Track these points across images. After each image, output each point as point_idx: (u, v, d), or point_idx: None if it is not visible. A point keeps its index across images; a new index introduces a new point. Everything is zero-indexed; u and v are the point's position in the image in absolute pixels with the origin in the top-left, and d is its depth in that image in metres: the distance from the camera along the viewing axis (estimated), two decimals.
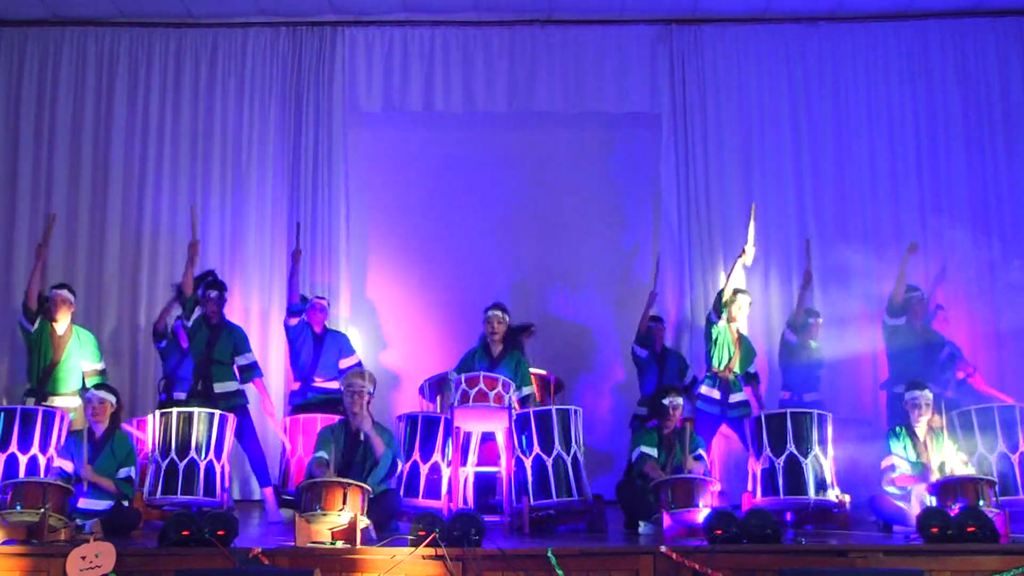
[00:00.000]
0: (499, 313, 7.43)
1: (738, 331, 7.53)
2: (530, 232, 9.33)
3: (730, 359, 7.42)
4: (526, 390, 7.25)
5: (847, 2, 9.01)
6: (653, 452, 6.64)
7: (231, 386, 7.25)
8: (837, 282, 8.67)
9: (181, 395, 7.37)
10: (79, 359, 7.47)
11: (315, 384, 7.77)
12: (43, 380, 7.34)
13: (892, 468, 6.48)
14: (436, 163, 9.45)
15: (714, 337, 7.48)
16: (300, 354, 7.88)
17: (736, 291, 7.62)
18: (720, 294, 7.49)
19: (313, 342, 7.87)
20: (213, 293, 7.49)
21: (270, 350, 8.76)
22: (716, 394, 7.39)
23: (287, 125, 9.15)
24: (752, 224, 7.57)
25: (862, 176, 9.04)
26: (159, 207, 9.02)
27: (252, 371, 7.49)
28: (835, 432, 6.60)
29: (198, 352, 7.28)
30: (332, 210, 8.97)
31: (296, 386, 7.92)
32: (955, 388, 7.64)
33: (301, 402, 7.76)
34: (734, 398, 7.38)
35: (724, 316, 7.43)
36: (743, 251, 7.51)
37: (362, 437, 6.33)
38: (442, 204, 9.37)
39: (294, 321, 7.87)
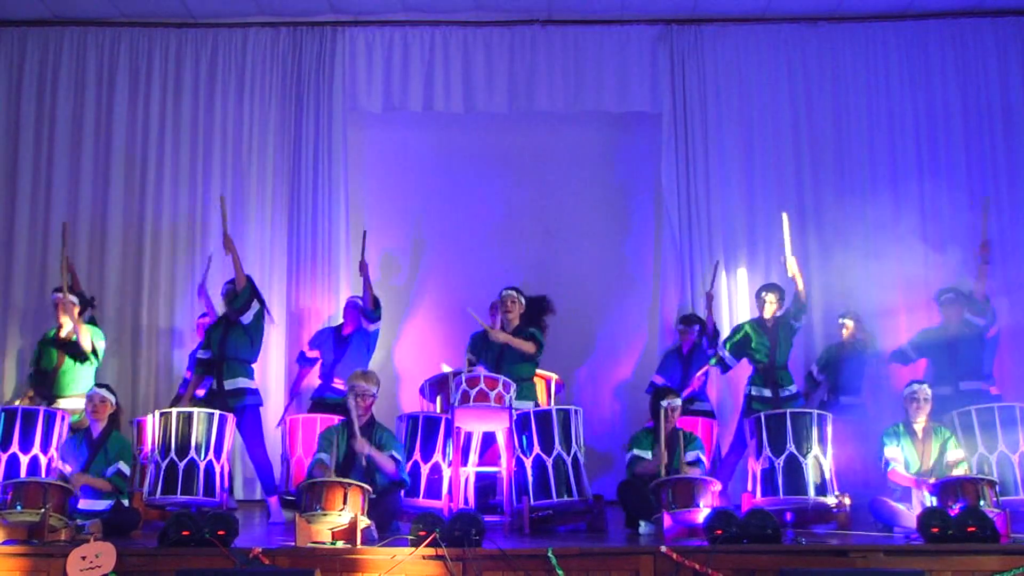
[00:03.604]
0: (513, 293, 7.44)
1: (773, 320, 7.55)
2: (530, 232, 9.34)
3: (768, 349, 7.47)
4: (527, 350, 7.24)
5: (847, 2, 9.00)
6: (647, 455, 6.63)
7: (241, 383, 7.16)
8: (836, 282, 8.67)
9: (201, 392, 7.30)
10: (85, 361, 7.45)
11: (334, 385, 7.84)
12: (49, 383, 7.33)
13: (887, 464, 6.48)
14: (436, 163, 9.46)
15: (737, 337, 7.59)
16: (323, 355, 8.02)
17: (765, 288, 7.69)
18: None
19: (335, 343, 7.95)
20: (230, 286, 7.43)
21: (270, 350, 8.74)
22: (767, 392, 7.38)
23: (287, 125, 9.15)
24: (787, 234, 7.55)
25: (862, 176, 9.04)
26: (160, 207, 9.02)
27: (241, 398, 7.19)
28: (836, 432, 6.60)
29: (214, 350, 7.20)
30: (332, 210, 8.96)
31: (317, 383, 8.02)
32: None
33: (318, 398, 7.88)
34: (785, 392, 7.41)
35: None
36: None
37: (364, 462, 6.26)
38: (442, 204, 9.37)
39: (373, 327, 8.06)
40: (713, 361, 7.84)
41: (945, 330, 7.59)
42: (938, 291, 7.78)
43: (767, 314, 7.59)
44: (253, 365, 7.31)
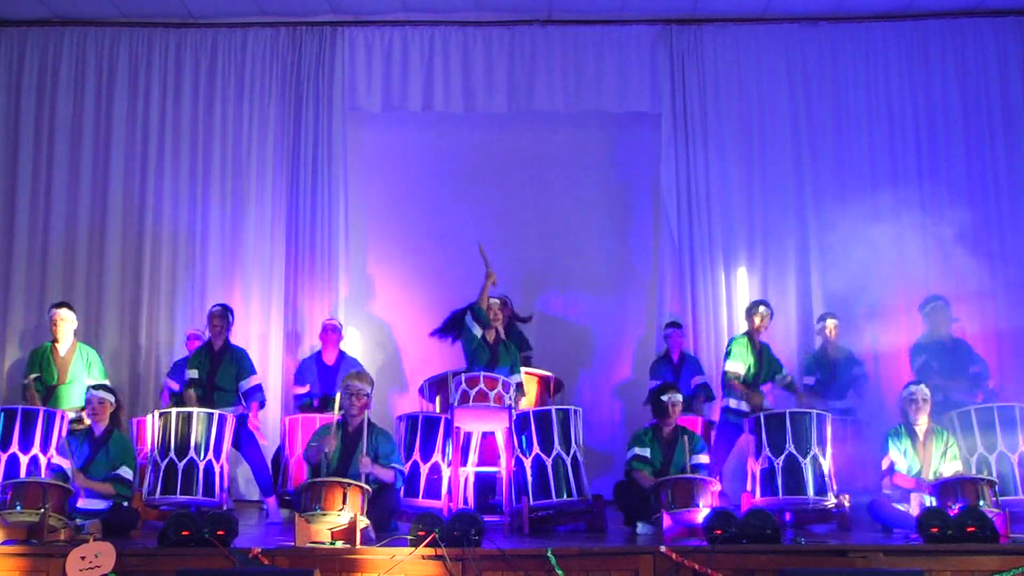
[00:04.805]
0: (496, 302, 7.48)
1: (760, 343, 7.58)
2: (530, 232, 9.34)
3: (748, 371, 7.46)
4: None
5: (847, 2, 9.01)
6: (646, 453, 6.57)
7: (231, 411, 7.12)
8: (837, 281, 8.67)
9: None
10: (84, 380, 7.35)
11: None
12: (46, 400, 7.30)
13: (891, 468, 6.45)
14: (436, 163, 9.46)
15: (729, 349, 7.57)
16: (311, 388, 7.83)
17: (757, 303, 7.69)
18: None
19: (321, 374, 7.79)
20: (216, 308, 7.42)
21: (269, 351, 8.75)
22: (745, 407, 7.35)
23: (287, 125, 9.15)
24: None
25: (862, 176, 9.03)
26: (160, 207, 9.02)
27: (252, 395, 7.31)
28: (835, 432, 6.60)
29: (201, 379, 7.17)
30: (331, 210, 8.96)
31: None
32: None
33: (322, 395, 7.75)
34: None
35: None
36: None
37: (364, 480, 6.21)
38: (442, 204, 9.37)
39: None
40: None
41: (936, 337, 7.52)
42: (925, 300, 7.75)
43: (760, 328, 7.62)
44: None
